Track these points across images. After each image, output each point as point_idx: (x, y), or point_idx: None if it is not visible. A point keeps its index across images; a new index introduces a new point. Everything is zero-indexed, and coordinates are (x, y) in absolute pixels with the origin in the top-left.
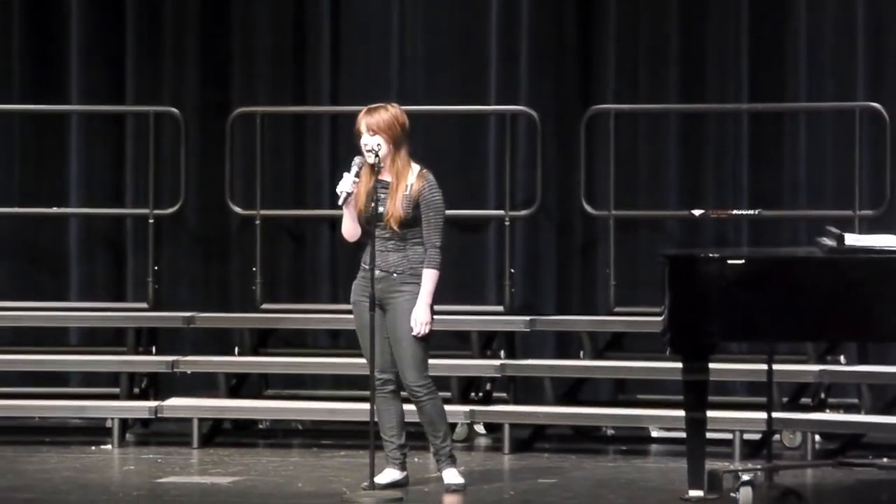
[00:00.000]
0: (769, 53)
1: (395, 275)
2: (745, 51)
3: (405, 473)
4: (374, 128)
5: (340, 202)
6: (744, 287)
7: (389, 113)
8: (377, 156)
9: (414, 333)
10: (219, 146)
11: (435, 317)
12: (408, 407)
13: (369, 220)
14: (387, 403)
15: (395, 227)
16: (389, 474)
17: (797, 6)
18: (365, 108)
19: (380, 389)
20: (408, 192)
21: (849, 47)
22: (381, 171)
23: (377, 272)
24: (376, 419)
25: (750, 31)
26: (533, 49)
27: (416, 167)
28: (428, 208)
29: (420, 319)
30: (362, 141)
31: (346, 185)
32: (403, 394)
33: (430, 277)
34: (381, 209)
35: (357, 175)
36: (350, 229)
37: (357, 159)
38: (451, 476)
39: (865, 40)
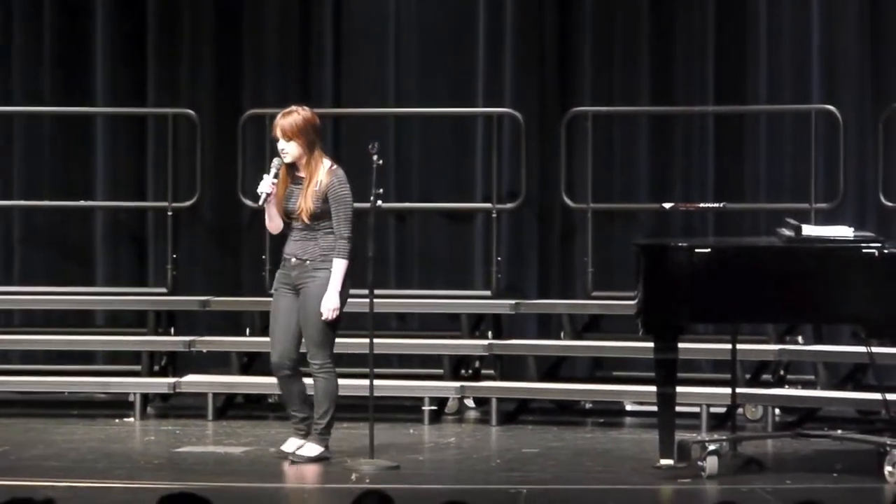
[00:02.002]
0: (732, 61)
1: (307, 262)
2: (711, 58)
3: (324, 448)
4: (287, 132)
5: (260, 202)
6: (710, 273)
7: (301, 116)
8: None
9: (323, 318)
10: (231, 145)
11: (427, 300)
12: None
13: (288, 215)
14: (288, 383)
15: (306, 220)
16: (293, 443)
17: (758, 19)
18: (280, 113)
19: (278, 371)
20: (317, 188)
21: (805, 55)
22: (298, 169)
23: (293, 260)
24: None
25: (715, 40)
26: (517, 56)
27: (327, 163)
28: (336, 202)
29: (329, 305)
30: (279, 145)
31: (265, 186)
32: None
33: (339, 267)
34: (294, 204)
35: (276, 176)
36: (273, 224)
37: (276, 161)
38: (308, 449)
39: (820, 49)
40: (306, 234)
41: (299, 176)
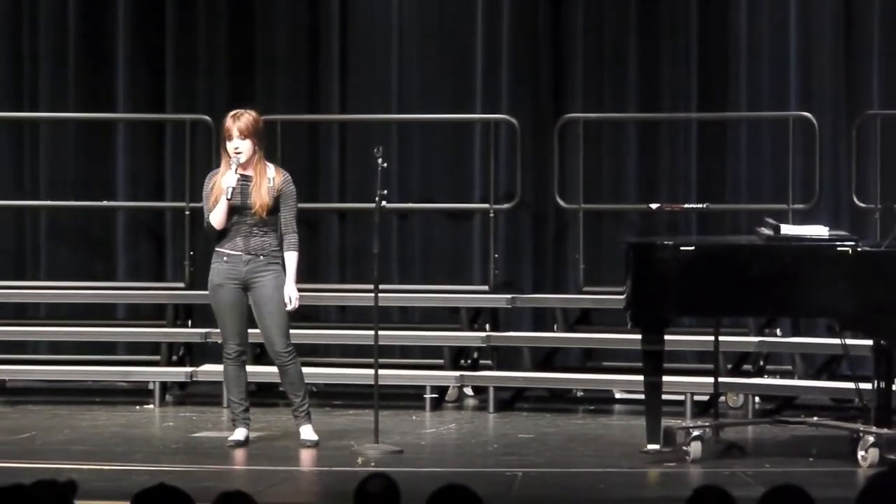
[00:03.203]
0: (715, 71)
1: (261, 257)
2: (694, 68)
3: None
4: (244, 131)
5: (229, 196)
6: (694, 270)
7: (252, 118)
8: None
9: (290, 308)
10: None
11: (429, 294)
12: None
13: (239, 211)
14: (240, 371)
15: (263, 215)
16: (241, 432)
17: (738, 31)
18: (231, 114)
19: (235, 359)
20: (271, 185)
21: (783, 66)
22: (244, 167)
23: (246, 255)
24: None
25: (698, 51)
26: (513, 66)
27: (269, 164)
28: (288, 199)
29: (293, 295)
30: (233, 143)
31: (231, 180)
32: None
33: (295, 259)
34: (247, 200)
35: (236, 171)
36: (222, 220)
37: (234, 159)
38: (307, 432)
39: (797, 60)
40: (258, 229)
41: (245, 174)
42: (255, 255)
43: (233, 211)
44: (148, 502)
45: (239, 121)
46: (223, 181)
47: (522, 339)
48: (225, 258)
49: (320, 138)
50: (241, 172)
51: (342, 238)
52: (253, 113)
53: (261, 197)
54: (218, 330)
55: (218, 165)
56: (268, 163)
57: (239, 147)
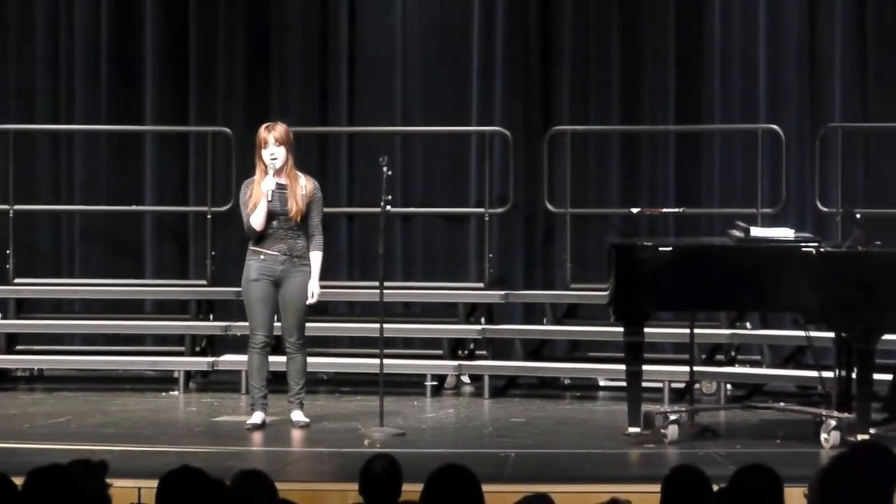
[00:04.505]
0: (690, 87)
1: (294, 258)
2: (672, 84)
3: None
4: (279, 140)
5: (270, 199)
6: (671, 268)
7: (284, 128)
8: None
9: (311, 302)
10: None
11: (429, 290)
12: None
13: (276, 216)
14: (264, 360)
15: (298, 220)
16: (259, 416)
17: (713, 51)
18: (264, 126)
19: (261, 349)
20: (304, 192)
21: (753, 82)
22: (278, 174)
23: (283, 256)
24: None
25: (675, 68)
26: (506, 83)
27: (300, 172)
28: (317, 204)
29: (316, 291)
30: (269, 151)
31: (270, 184)
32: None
33: (320, 258)
34: (284, 206)
35: (273, 176)
36: (262, 222)
37: (270, 165)
38: (298, 415)
39: (766, 77)
40: (292, 232)
41: (281, 183)
42: (289, 256)
43: (271, 216)
44: (174, 483)
45: (274, 130)
46: (262, 185)
47: (514, 331)
48: (262, 257)
49: (330, 149)
50: (277, 181)
51: (350, 239)
52: (284, 124)
53: (297, 203)
54: (238, 323)
55: (243, 174)
56: (298, 172)
57: (274, 154)
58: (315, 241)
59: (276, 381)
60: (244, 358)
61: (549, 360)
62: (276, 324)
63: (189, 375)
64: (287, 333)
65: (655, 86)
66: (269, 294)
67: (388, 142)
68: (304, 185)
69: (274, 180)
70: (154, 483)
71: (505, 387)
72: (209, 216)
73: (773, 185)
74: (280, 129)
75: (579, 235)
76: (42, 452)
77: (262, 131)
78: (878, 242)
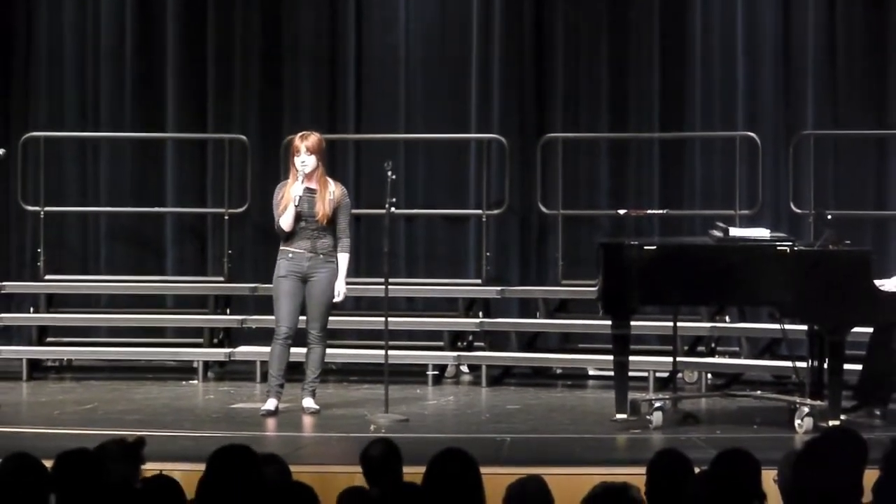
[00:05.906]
0: (674, 97)
1: (321, 256)
2: (657, 94)
3: None
4: (311, 148)
5: (296, 203)
6: (656, 266)
7: (318, 137)
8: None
9: (337, 300)
10: (275, 163)
11: (431, 286)
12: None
13: (304, 218)
14: (285, 351)
15: (324, 223)
16: (273, 403)
17: (694, 63)
18: (299, 135)
19: (283, 341)
20: (332, 197)
21: (731, 92)
22: (309, 179)
23: (308, 254)
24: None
25: (660, 80)
26: (503, 92)
27: (330, 179)
28: (345, 209)
29: (342, 290)
30: (300, 158)
31: (299, 190)
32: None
33: (346, 259)
34: (312, 209)
35: (302, 182)
36: (291, 223)
37: (300, 170)
38: (309, 402)
39: (743, 87)
40: (319, 233)
41: (311, 188)
42: (315, 254)
43: (299, 217)
44: (223, 458)
45: (307, 140)
46: (291, 190)
47: (510, 324)
48: (290, 255)
49: (338, 154)
50: (308, 185)
51: (357, 238)
52: (317, 134)
53: (324, 208)
54: (253, 316)
55: (258, 178)
56: (328, 178)
57: (305, 161)
58: (342, 243)
59: (290, 371)
60: (259, 349)
61: (542, 351)
62: (301, 317)
63: (207, 365)
64: (309, 325)
65: (641, 97)
66: (295, 289)
67: (392, 148)
68: (333, 190)
69: (303, 185)
70: (175, 465)
71: (501, 376)
72: (226, 217)
73: (750, 188)
74: (312, 138)
75: (570, 235)
76: (71, 437)
77: (297, 140)
78: (848, 242)
